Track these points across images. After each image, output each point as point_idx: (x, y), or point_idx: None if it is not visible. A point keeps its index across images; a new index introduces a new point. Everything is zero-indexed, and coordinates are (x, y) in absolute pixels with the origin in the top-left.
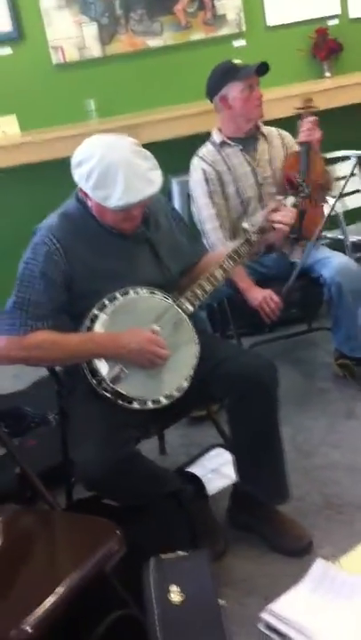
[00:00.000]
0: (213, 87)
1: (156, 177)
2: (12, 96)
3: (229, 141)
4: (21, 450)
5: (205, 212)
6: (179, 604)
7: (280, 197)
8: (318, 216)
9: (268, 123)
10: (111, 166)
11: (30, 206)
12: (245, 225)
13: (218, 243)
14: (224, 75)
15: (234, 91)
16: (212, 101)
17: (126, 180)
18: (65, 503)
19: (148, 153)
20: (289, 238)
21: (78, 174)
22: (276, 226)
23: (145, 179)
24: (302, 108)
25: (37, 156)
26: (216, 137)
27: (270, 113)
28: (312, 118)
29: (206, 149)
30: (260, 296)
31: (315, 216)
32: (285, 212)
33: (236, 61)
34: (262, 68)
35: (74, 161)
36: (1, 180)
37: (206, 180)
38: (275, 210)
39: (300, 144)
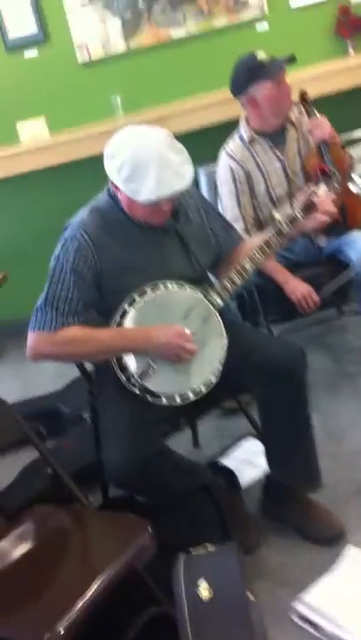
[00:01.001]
0: (238, 86)
1: (188, 171)
2: (39, 98)
3: (258, 137)
4: (58, 449)
5: (230, 214)
6: (208, 600)
7: (311, 186)
8: (358, 203)
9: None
10: (143, 159)
11: (63, 206)
12: (277, 215)
13: None
14: (250, 73)
15: (262, 90)
16: (236, 98)
17: (158, 174)
18: (101, 501)
19: (180, 146)
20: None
21: (110, 167)
22: (319, 217)
23: (176, 173)
24: (300, 103)
25: (67, 156)
26: (244, 132)
27: (296, 95)
28: (316, 119)
29: (234, 145)
30: (299, 293)
31: (354, 205)
32: (327, 201)
33: (261, 56)
34: (289, 60)
35: (106, 152)
36: (33, 181)
37: (234, 180)
38: (312, 196)
39: (317, 145)
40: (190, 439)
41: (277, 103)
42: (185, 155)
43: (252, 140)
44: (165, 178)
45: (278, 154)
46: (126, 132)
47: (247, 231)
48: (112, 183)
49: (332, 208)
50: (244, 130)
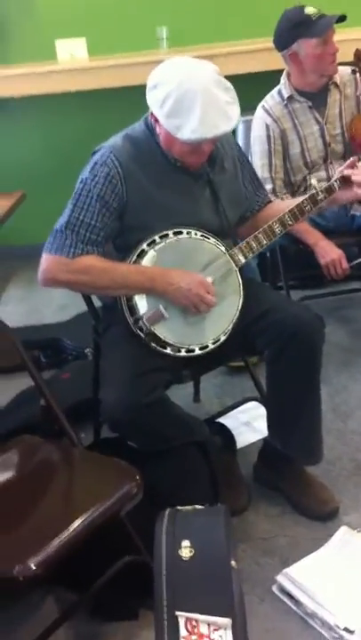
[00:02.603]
0: (282, 41)
1: (234, 112)
2: (83, 18)
3: (298, 97)
4: (55, 381)
5: (260, 175)
6: (188, 560)
7: (355, 157)
8: None
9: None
10: (189, 94)
11: (91, 133)
12: (314, 181)
13: None
14: (296, 28)
15: (307, 47)
16: (279, 52)
17: (203, 111)
18: (92, 440)
19: (228, 84)
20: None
21: (153, 97)
22: (356, 189)
23: (223, 112)
24: (355, 63)
25: (103, 82)
26: (284, 89)
27: (346, 55)
28: None
29: (273, 101)
30: (329, 257)
31: None
32: None
33: (310, 10)
34: (339, 20)
35: (150, 82)
36: (65, 102)
37: (268, 138)
38: (351, 166)
39: None
40: (191, 393)
41: (321, 63)
42: (233, 93)
43: (290, 98)
44: (211, 117)
45: (318, 116)
46: (173, 62)
47: (275, 193)
48: (152, 115)
49: None
50: (284, 86)
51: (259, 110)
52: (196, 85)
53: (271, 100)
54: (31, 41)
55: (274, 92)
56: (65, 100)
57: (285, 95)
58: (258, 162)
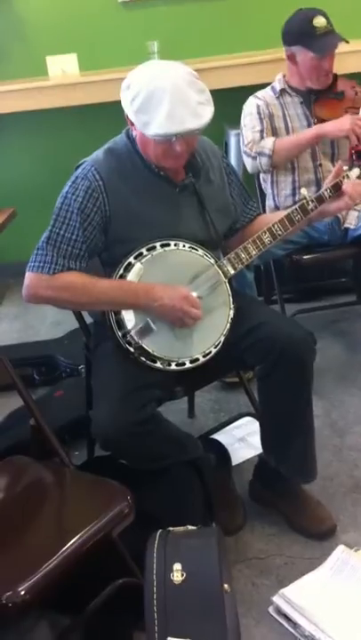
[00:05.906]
0: (287, 38)
1: (205, 112)
2: (74, 34)
3: (290, 91)
4: (48, 399)
5: (250, 138)
6: (179, 585)
7: (345, 167)
8: None
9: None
10: (158, 91)
11: (83, 148)
12: (304, 191)
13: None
14: (300, 35)
15: (304, 56)
16: (283, 45)
17: (170, 107)
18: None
19: (203, 86)
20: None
21: (124, 97)
22: (346, 199)
23: (192, 111)
24: None
25: (94, 97)
26: (277, 83)
27: (347, 66)
28: None
29: (265, 92)
30: (346, 126)
31: None
32: (356, 186)
33: (318, 22)
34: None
35: (124, 83)
36: (56, 118)
37: (259, 114)
38: (337, 175)
39: None
40: (186, 408)
41: (313, 74)
42: (206, 95)
43: (283, 91)
44: (178, 113)
45: (308, 113)
46: (147, 64)
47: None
48: (127, 118)
49: (357, 195)
50: (278, 82)
51: (250, 98)
52: (165, 83)
53: (263, 91)
54: (22, 58)
55: (267, 87)
56: (56, 116)
57: (278, 88)
58: (249, 131)
